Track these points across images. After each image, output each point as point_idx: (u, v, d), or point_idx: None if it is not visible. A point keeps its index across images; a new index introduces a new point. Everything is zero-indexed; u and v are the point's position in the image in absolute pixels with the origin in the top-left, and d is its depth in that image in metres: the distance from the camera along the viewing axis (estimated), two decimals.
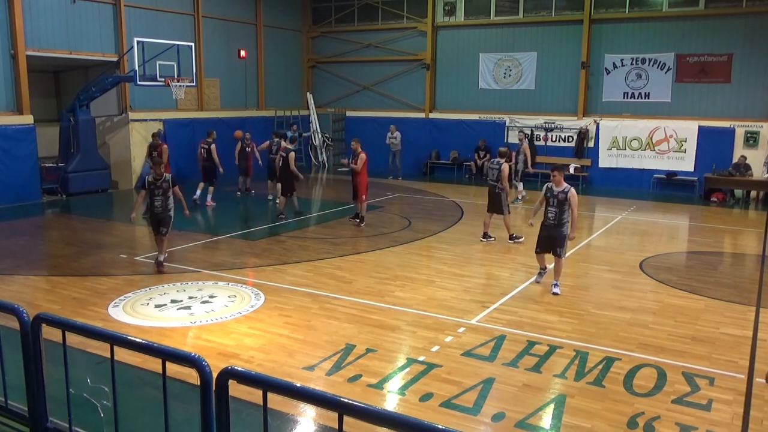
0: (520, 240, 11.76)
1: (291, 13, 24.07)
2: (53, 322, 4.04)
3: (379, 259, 10.71)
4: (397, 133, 20.87)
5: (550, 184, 8.85)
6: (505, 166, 11.56)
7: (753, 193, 17.96)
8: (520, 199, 16.66)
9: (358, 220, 13.26)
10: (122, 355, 4.02)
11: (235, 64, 21.73)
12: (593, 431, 5.15)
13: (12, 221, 13.56)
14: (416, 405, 5.53)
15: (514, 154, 16.20)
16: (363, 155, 12.87)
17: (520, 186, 17.02)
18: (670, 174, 18.83)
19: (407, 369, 6.30)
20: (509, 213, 12.02)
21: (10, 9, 15.19)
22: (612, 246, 11.98)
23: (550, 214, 8.81)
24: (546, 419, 5.38)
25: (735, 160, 17.79)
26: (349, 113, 24.22)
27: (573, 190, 8.73)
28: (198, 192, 15.31)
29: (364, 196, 13.12)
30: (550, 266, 9.12)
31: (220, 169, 15.30)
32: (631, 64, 19.37)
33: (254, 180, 17.24)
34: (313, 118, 24.35)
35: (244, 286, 8.99)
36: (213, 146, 15.26)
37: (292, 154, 13.64)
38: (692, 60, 18.57)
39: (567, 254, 9.18)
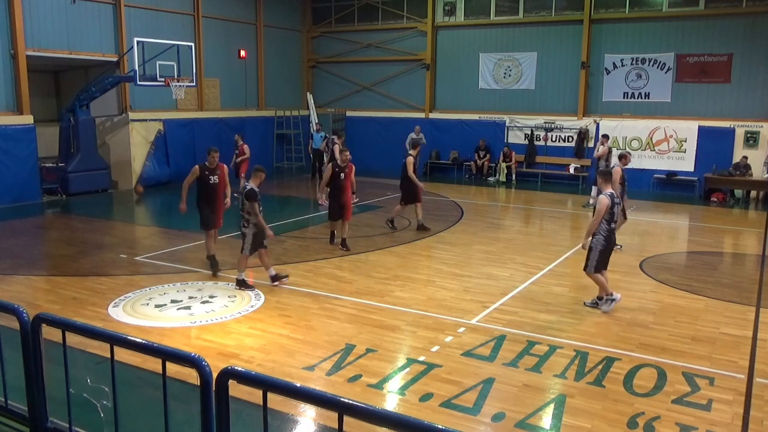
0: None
1: (291, 13, 24.07)
2: (53, 322, 4.04)
3: (379, 259, 10.70)
4: (421, 135, 20.53)
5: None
6: (617, 169, 10.92)
7: (753, 193, 17.97)
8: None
9: (342, 248, 11.12)
10: (122, 355, 4.02)
11: (235, 64, 21.73)
12: (593, 431, 5.15)
13: (12, 221, 13.56)
14: (416, 405, 5.52)
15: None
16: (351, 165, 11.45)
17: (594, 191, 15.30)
18: (670, 174, 18.82)
19: (407, 369, 6.30)
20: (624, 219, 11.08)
21: (10, 9, 15.19)
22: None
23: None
24: (546, 419, 5.37)
25: (735, 160, 17.80)
26: (349, 113, 24.22)
27: (600, 196, 8.08)
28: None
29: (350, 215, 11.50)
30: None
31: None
32: (631, 64, 19.37)
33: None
34: (313, 118, 24.34)
35: None
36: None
37: (410, 159, 12.54)
38: (692, 60, 18.57)
39: (565, 256, 9.04)
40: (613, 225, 8.03)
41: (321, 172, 18.55)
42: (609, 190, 8.08)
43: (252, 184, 8.72)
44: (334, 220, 11.38)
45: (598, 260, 8.02)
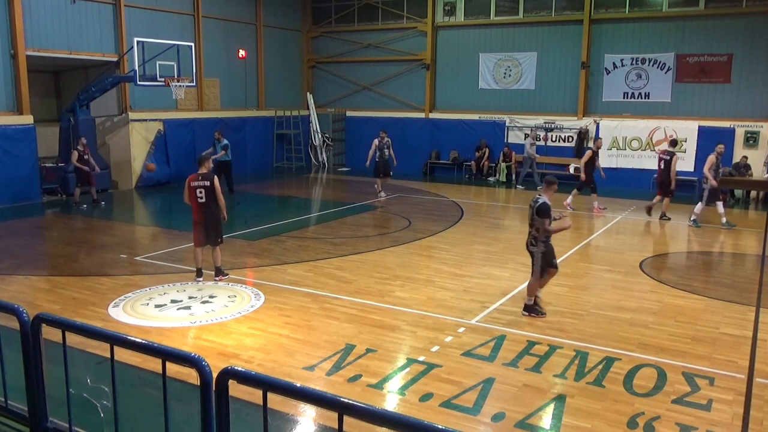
0: None
1: (291, 13, 24.07)
2: (53, 322, 4.03)
3: (379, 259, 10.70)
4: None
5: None
6: None
7: (753, 193, 17.96)
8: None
9: (220, 276, 9.22)
10: (122, 355, 4.02)
11: (235, 64, 21.73)
12: (593, 431, 5.15)
13: (12, 221, 13.56)
14: (416, 405, 5.52)
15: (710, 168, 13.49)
16: None
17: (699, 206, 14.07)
18: None
19: (407, 369, 6.30)
20: None
21: (10, 9, 15.19)
22: (612, 246, 11.97)
23: None
24: (546, 419, 5.37)
25: (735, 160, 17.80)
26: (349, 113, 24.23)
27: None
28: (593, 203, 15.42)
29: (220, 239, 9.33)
30: None
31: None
32: (631, 64, 19.37)
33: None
34: (313, 118, 24.35)
35: (244, 286, 8.99)
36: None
37: (675, 158, 14.04)
38: (692, 60, 18.57)
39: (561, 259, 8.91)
40: None
41: (231, 185, 16.79)
42: None
43: (545, 197, 7.65)
44: (206, 242, 9.07)
45: None
